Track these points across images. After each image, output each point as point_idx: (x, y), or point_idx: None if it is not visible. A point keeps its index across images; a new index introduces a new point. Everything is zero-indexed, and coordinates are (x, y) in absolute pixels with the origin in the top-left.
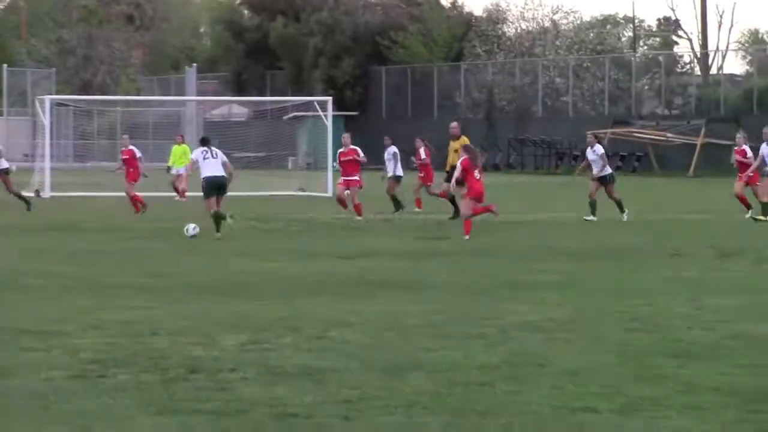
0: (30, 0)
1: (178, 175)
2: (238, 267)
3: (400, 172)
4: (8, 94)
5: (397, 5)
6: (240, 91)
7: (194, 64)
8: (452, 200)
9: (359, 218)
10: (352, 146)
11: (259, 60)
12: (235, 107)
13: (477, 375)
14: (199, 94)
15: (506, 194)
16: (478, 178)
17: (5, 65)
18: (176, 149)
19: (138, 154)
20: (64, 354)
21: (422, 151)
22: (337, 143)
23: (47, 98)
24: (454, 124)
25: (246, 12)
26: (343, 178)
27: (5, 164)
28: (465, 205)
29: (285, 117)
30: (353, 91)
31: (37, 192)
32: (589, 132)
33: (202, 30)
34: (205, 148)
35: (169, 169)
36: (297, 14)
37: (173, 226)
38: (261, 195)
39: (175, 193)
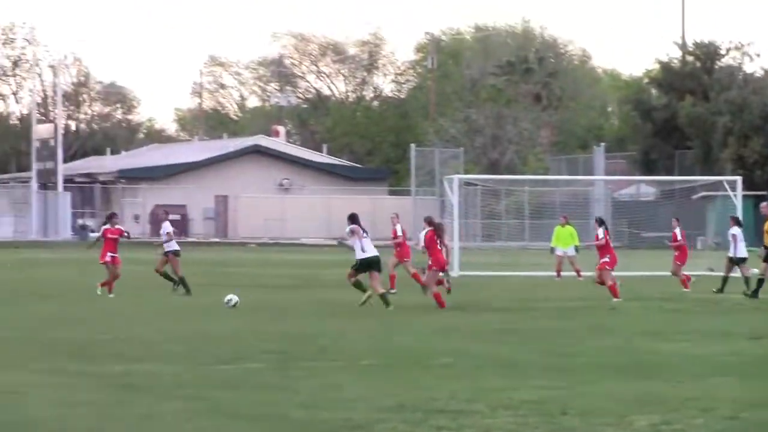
0: (437, 80)
1: (561, 257)
2: (645, 346)
3: (741, 253)
4: (416, 174)
5: None
6: (648, 170)
7: (602, 143)
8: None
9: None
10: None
11: (667, 139)
12: (643, 187)
13: None
14: (606, 173)
15: None
16: (440, 249)
17: (413, 145)
18: (559, 230)
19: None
20: None
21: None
22: (748, 223)
23: (456, 177)
24: (764, 204)
25: (654, 91)
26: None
27: (175, 246)
28: (430, 276)
29: (693, 197)
30: (762, 170)
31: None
32: None
33: (609, 109)
34: (356, 226)
35: (552, 250)
36: (705, 93)
37: (577, 305)
38: (668, 275)
39: (555, 274)
